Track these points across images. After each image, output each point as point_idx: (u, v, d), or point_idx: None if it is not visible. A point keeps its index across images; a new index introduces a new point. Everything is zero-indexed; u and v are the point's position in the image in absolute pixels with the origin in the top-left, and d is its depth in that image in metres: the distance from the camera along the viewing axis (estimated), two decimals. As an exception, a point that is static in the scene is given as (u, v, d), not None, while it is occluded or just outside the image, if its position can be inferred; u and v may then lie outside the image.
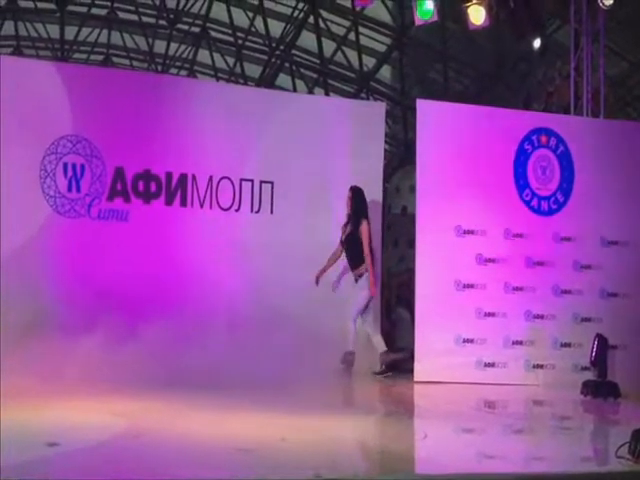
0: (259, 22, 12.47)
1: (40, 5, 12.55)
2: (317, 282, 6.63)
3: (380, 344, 6.52)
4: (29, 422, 4.05)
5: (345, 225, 6.74)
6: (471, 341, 6.68)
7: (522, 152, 7.05)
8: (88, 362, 5.21)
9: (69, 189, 6.53)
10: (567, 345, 6.87)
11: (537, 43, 8.24)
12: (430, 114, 6.90)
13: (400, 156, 11.89)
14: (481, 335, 6.70)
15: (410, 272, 7.86)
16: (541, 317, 6.86)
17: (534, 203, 7.04)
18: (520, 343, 6.79)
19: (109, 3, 12.76)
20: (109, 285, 6.36)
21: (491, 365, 6.70)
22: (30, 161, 6.28)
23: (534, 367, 6.79)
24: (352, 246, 6.61)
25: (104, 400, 4.71)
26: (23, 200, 6.16)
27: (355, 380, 6.44)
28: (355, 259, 6.58)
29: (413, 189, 7.41)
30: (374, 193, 7.38)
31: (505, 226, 6.89)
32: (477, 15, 7.43)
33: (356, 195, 6.68)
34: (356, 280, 6.56)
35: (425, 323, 6.57)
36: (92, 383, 4.94)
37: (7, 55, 11.75)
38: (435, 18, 7.12)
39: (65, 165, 6.51)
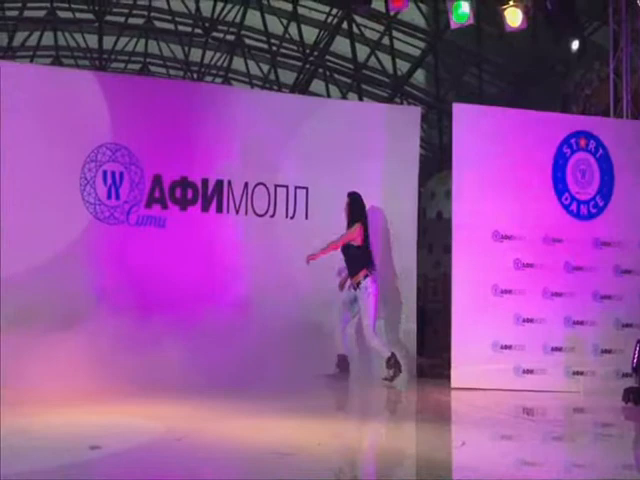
0: (293, 29, 12.53)
1: (79, 15, 12.80)
2: (308, 261, 6.46)
3: (381, 349, 6.38)
4: (71, 425, 4.13)
5: None
6: (509, 347, 6.60)
7: (561, 155, 6.96)
8: (125, 365, 5.29)
9: (109, 196, 6.63)
10: (608, 351, 6.75)
11: (575, 45, 8.13)
12: (466, 118, 6.84)
13: (435, 161, 11.82)
14: (520, 341, 6.61)
15: (446, 277, 7.81)
16: (581, 323, 6.75)
17: (573, 207, 6.94)
18: (560, 349, 6.69)
19: (146, 13, 12.97)
20: (147, 290, 6.44)
21: (530, 372, 6.60)
22: (71, 169, 6.39)
23: (574, 374, 6.69)
24: (348, 254, 6.49)
25: (139, 403, 4.78)
26: (64, 207, 6.28)
27: (393, 385, 6.41)
28: (352, 267, 6.45)
29: (448, 194, 7.36)
30: (409, 198, 7.36)
31: (544, 231, 6.80)
32: (514, 17, 7.36)
33: (353, 202, 6.57)
34: (354, 288, 6.41)
35: (462, 329, 6.50)
36: (128, 386, 5.01)
37: (47, 65, 12.01)
38: (471, 21, 7.07)
39: (105, 173, 6.62)
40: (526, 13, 7.47)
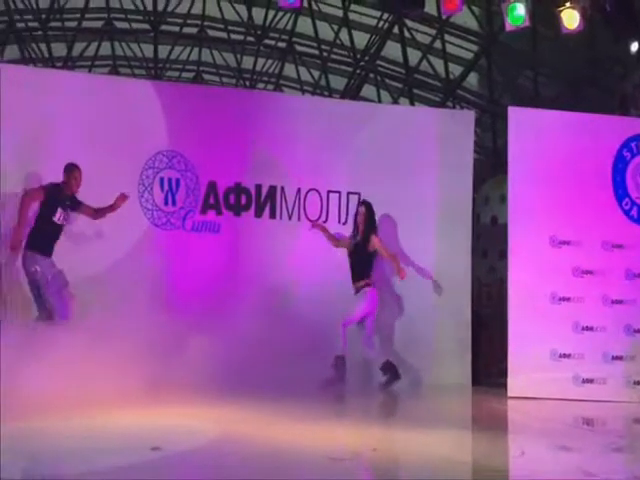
0: (344, 34, 12.55)
1: (135, 26, 13.10)
2: (312, 226, 6.69)
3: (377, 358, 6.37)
4: (132, 427, 4.22)
5: (352, 237, 6.62)
6: (568, 356, 6.46)
7: (620, 159, 6.78)
8: (180, 367, 5.38)
9: (165, 203, 6.78)
10: (669, 361, 6.54)
11: (634, 46, 7.91)
12: (522, 121, 6.74)
13: (489, 165, 11.65)
14: (579, 350, 6.47)
15: (501, 283, 7.69)
16: (642, 331, 6.56)
17: (634, 212, 6.75)
18: (620, 358, 6.52)
19: (199, 22, 13.18)
20: (202, 294, 6.52)
21: (589, 381, 6.45)
22: (129, 176, 6.54)
23: (635, 383, 6.50)
24: (358, 258, 6.49)
25: (194, 406, 4.86)
26: (123, 213, 6.42)
27: (446, 394, 6.35)
28: (358, 271, 6.45)
29: (503, 199, 7.26)
30: (463, 203, 7.30)
31: (603, 236, 6.63)
32: (571, 19, 7.20)
33: (369, 210, 6.56)
34: (355, 293, 6.43)
35: (519, 337, 6.40)
36: (181, 389, 5.10)
37: (106, 74, 12.32)
38: (527, 24, 6.94)
39: (162, 179, 6.76)
40: (583, 15, 7.30)
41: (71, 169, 6.02)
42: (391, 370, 6.31)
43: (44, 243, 5.86)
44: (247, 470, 3.42)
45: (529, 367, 6.34)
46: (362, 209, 6.60)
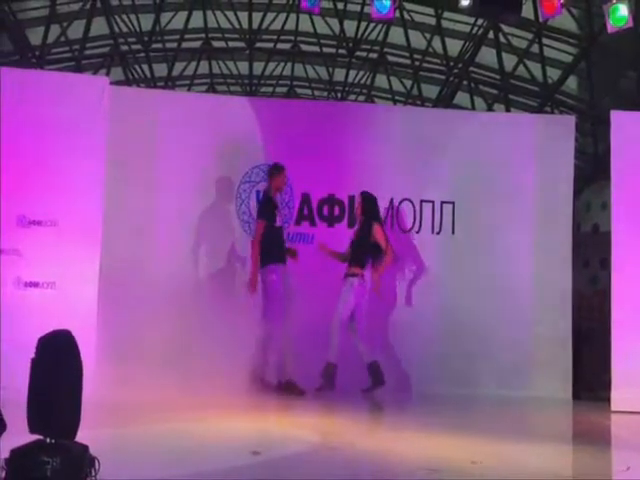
0: (436, 42, 12.44)
1: (231, 44, 13.52)
2: (320, 248, 6.50)
3: (365, 354, 6.14)
4: (233, 433, 4.35)
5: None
6: (677, 370, 6.12)
7: None
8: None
9: (261, 215, 6.95)
10: None
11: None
12: (626, 126, 6.47)
13: (590, 171, 11.23)
14: (689, 363, 6.12)
15: (603, 294, 7.40)
16: None
17: None
18: None
19: (293, 37, 13.44)
20: (300, 301, 6.61)
21: (699, 396, 6.08)
22: (227, 190, 6.77)
23: None
24: (358, 246, 6.37)
25: (290, 414, 4.94)
26: (221, 226, 6.65)
27: (547, 407, 6.16)
28: (356, 258, 6.33)
29: (605, 206, 7.00)
30: (563, 211, 7.09)
31: None
32: (677, 17, 6.85)
33: (364, 200, 6.44)
34: (345, 277, 6.27)
35: (624, 350, 6.13)
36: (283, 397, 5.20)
37: (204, 93, 12.82)
38: (630, 24, 6.65)
39: (258, 193, 6.96)
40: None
41: (279, 171, 6.29)
42: (376, 373, 6.10)
43: (275, 252, 6.11)
44: (352, 474, 3.46)
45: (634, 381, 6.05)
46: (359, 199, 6.53)
